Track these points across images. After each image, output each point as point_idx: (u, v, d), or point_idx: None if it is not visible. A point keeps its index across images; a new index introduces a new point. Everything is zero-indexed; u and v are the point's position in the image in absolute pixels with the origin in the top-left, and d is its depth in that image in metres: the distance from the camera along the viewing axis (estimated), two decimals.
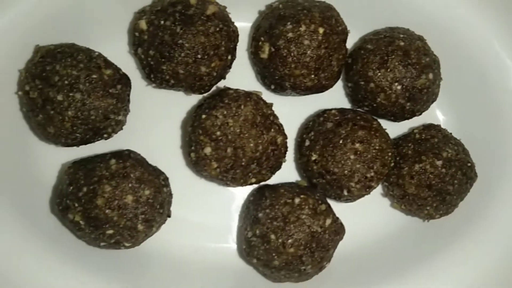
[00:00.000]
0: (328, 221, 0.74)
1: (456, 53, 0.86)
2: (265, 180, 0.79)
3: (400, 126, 0.86)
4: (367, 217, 0.86)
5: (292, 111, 0.85)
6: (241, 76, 0.86)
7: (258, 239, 0.73)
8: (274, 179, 0.80)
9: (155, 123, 0.85)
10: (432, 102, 0.84)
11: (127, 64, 0.83)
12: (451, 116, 0.89)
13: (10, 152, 0.79)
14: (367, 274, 0.83)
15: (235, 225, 0.85)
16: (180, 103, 0.85)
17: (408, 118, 0.83)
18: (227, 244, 0.84)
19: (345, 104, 0.89)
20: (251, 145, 0.73)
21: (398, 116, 0.82)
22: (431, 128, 0.83)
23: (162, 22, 0.75)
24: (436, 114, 0.89)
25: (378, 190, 0.86)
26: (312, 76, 0.78)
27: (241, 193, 0.85)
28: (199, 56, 0.75)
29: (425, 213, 0.80)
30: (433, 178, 0.77)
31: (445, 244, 0.83)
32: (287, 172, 0.84)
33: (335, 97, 0.87)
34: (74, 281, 0.76)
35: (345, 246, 0.80)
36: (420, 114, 0.83)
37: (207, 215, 0.85)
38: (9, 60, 0.78)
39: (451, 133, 0.84)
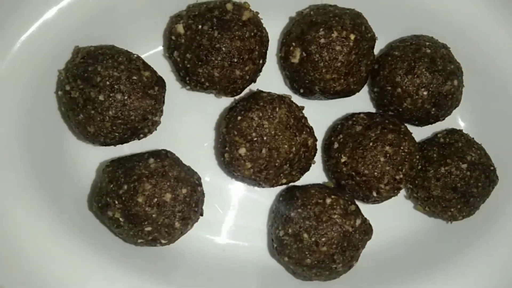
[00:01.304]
0: (358, 221, 0.76)
1: (477, 61, 0.89)
2: (294, 181, 0.82)
3: (422, 131, 0.89)
4: (390, 219, 0.89)
5: (318, 115, 0.87)
6: (270, 80, 0.89)
7: (291, 238, 0.75)
8: (301, 181, 0.83)
9: (187, 124, 0.87)
10: (455, 107, 0.86)
11: (161, 67, 0.85)
12: (471, 121, 0.92)
13: (48, 151, 0.81)
14: (391, 273, 0.86)
15: (263, 224, 0.87)
16: (211, 106, 0.88)
17: (431, 123, 0.86)
18: (255, 242, 0.87)
19: (369, 108, 0.91)
20: (286, 146, 0.76)
21: (422, 120, 0.85)
22: (454, 133, 0.86)
23: (200, 26, 0.77)
24: (457, 119, 0.92)
25: (401, 192, 0.89)
26: (342, 80, 0.81)
27: (270, 193, 0.88)
28: (235, 59, 0.78)
29: (449, 215, 0.83)
30: (458, 181, 0.80)
31: (467, 245, 0.85)
32: (313, 174, 0.87)
33: (360, 102, 0.90)
34: (109, 276, 0.78)
35: (369, 246, 0.82)
36: (444, 119, 0.87)
37: (236, 214, 0.87)
38: (48, 61, 0.80)
39: (473, 138, 0.87)
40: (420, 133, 0.89)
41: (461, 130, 0.87)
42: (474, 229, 0.86)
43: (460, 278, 0.83)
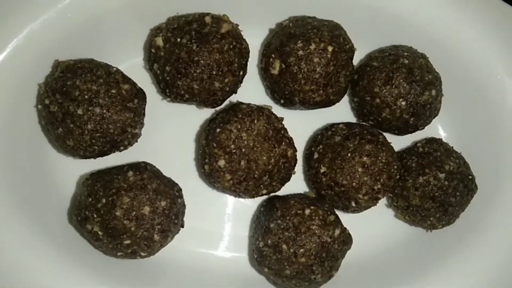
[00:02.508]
0: (337, 232, 0.77)
1: (456, 70, 0.89)
2: (275, 192, 0.82)
3: (403, 140, 0.90)
4: (371, 227, 0.89)
5: (299, 125, 0.88)
6: (252, 90, 0.89)
7: (270, 249, 0.76)
8: (283, 190, 0.83)
9: (168, 136, 0.88)
10: (434, 117, 0.87)
11: (142, 79, 0.86)
12: (451, 130, 0.93)
13: (27, 165, 0.81)
14: (372, 282, 0.86)
15: (245, 235, 0.88)
16: (192, 117, 0.88)
17: (411, 132, 0.87)
18: (237, 253, 0.87)
19: (351, 117, 0.92)
20: (264, 158, 0.76)
21: (401, 130, 0.86)
22: (433, 142, 0.87)
23: (178, 39, 0.78)
24: (438, 128, 0.93)
25: (383, 201, 0.89)
26: (321, 91, 0.82)
27: (251, 203, 0.88)
28: (213, 72, 0.78)
29: (428, 224, 0.84)
30: (436, 190, 0.80)
31: (447, 253, 0.86)
32: (295, 184, 0.87)
33: (341, 111, 0.91)
34: None
35: (351, 255, 0.83)
36: (423, 129, 0.87)
37: (218, 225, 0.88)
38: (28, 74, 0.80)
39: (452, 147, 0.87)
40: (400, 142, 0.90)
41: (440, 139, 0.88)
42: (454, 237, 0.87)
43: (441, 286, 0.84)
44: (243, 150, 0.76)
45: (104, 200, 0.73)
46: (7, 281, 0.76)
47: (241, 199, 0.88)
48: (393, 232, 0.90)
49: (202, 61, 0.77)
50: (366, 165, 0.77)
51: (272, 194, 0.83)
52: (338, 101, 0.86)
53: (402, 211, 0.85)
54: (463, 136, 0.92)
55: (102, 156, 0.80)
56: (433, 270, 0.86)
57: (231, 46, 0.79)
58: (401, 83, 0.81)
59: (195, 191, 0.87)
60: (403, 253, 0.89)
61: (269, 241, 0.76)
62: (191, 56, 0.77)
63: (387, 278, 0.86)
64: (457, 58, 0.89)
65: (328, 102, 0.85)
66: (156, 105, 0.87)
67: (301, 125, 0.89)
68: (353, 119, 0.92)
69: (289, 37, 0.81)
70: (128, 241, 0.73)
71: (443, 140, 0.89)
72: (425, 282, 0.85)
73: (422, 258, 0.87)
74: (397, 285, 0.85)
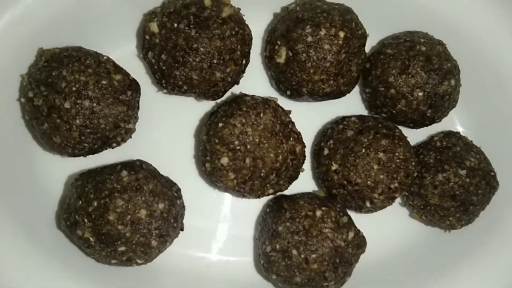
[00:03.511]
0: (351, 235, 0.71)
1: (474, 59, 0.83)
2: (282, 191, 0.76)
3: (417, 133, 0.84)
4: (384, 228, 0.83)
5: (306, 118, 0.81)
6: (254, 81, 0.83)
7: (278, 254, 0.69)
8: (290, 189, 0.77)
9: (164, 131, 0.81)
10: (452, 108, 0.81)
11: (135, 69, 0.79)
12: (469, 122, 0.86)
13: (11, 163, 0.74)
14: (386, 287, 0.80)
15: (250, 237, 0.82)
16: (191, 110, 0.81)
17: (427, 125, 0.81)
18: (241, 257, 0.81)
19: (361, 110, 0.86)
20: (271, 155, 0.70)
21: (417, 123, 0.80)
22: (451, 136, 0.81)
23: (175, 25, 0.71)
24: (454, 121, 0.87)
25: (396, 199, 0.83)
26: (331, 81, 0.75)
27: (256, 203, 0.82)
28: (214, 61, 0.71)
29: (447, 224, 0.78)
30: (457, 188, 0.74)
31: (466, 254, 0.81)
32: (303, 182, 0.81)
33: (350, 103, 0.85)
34: None
35: (362, 258, 0.77)
36: (440, 121, 0.81)
37: (220, 227, 0.82)
38: (10, 64, 0.73)
39: (471, 141, 0.81)
40: (414, 135, 0.84)
41: (458, 133, 0.82)
42: (473, 237, 0.81)
43: None
44: (248, 146, 0.69)
45: (95, 203, 0.66)
46: None
47: (245, 199, 0.81)
48: (407, 233, 0.84)
49: (201, 49, 0.70)
50: (382, 162, 0.71)
51: (278, 193, 0.77)
52: (349, 92, 0.80)
53: (418, 210, 0.79)
54: (480, 129, 0.86)
55: (92, 154, 0.73)
56: (450, 273, 0.80)
57: (233, 32, 0.72)
58: (418, 72, 0.75)
59: (195, 191, 0.80)
60: (418, 255, 0.83)
61: (278, 246, 0.69)
62: (190, 43, 0.70)
63: (401, 282, 0.81)
64: (475, 45, 0.83)
65: (338, 93, 0.78)
66: (151, 98, 0.80)
67: (308, 118, 0.83)
68: (363, 112, 0.85)
69: (296, 22, 0.74)
70: (123, 248, 0.67)
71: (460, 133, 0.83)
72: (442, 285, 0.79)
73: (438, 260, 0.82)
74: None
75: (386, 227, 0.84)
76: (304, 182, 0.82)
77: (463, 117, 0.86)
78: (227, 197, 0.82)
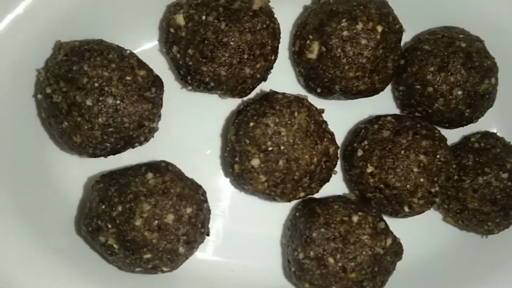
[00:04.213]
0: (389, 241, 0.67)
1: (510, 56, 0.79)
2: (313, 194, 0.72)
3: (446, 133, 0.79)
4: (416, 232, 0.79)
5: (336, 117, 0.76)
6: (281, 78, 0.78)
7: (313, 262, 0.65)
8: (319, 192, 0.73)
9: (188, 130, 0.77)
10: (489, 108, 0.77)
11: (157, 65, 0.74)
12: (504, 123, 0.82)
13: (25, 165, 0.70)
14: None
15: (277, 241, 0.77)
16: (216, 108, 0.77)
17: (463, 126, 0.77)
18: (268, 262, 0.77)
19: (392, 109, 0.82)
20: (306, 157, 0.66)
21: (454, 123, 0.76)
22: (488, 137, 0.77)
23: (203, 17, 0.67)
24: (488, 121, 0.82)
25: None
26: (366, 78, 0.71)
27: (284, 205, 0.78)
28: (245, 56, 0.67)
29: (485, 229, 0.74)
30: (498, 192, 0.71)
31: (502, 259, 0.77)
32: (332, 184, 0.76)
33: (381, 102, 0.80)
34: None
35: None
36: (477, 121, 0.77)
37: (246, 231, 0.77)
38: (25, 58, 0.68)
39: (509, 142, 0.78)
40: (446, 136, 0.80)
41: (495, 134, 0.78)
42: (510, 243, 0.78)
43: None
44: (282, 147, 0.65)
45: (120, 208, 0.61)
46: None
47: (273, 202, 0.77)
48: (440, 238, 0.80)
49: (232, 43, 0.66)
50: (423, 165, 0.67)
51: (308, 196, 0.73)
52: (383, 90, 0.76)
53: (453, 214, 0.76)
54: None
55: (113, 154, 0.68)
56: (485, 280, 0.76)
57: (264, 26, 0.68)
58: (458, 69, 0.71)
59: (219, 194, 0.77)
60: (452, 261, 0.79)
61: (312, 253, 0.65)
62: (219, 37, 0.66)
63: None
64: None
65: (372, 91, 0.74)
66: (174, 96, 0.75)
67: (338, 117, 0.77)
68: (394, 111, 0.81)
69: (330, 15, 0.70)
70: (149, 255, 0.62)
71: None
72: None
73: (473, 266, 0.78)
74: None
75: (418, 232, 0.79)
76: (334, 185, 0.78)
77: (498, 117, 0.82)
78: (253, 200, 0.77)
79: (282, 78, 0.79)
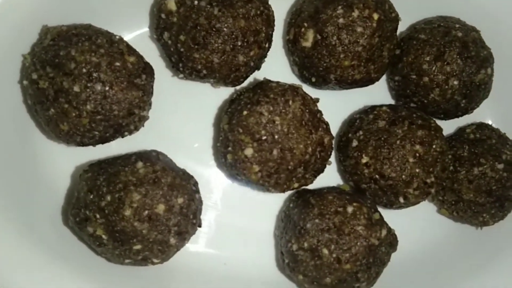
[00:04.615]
0: (384, 232, 0.66)
1: (505, 45, 0.79)
2: (307, 185, 0.71)
3: (441, 124, 0.79)
4: (411, 224, 0.78)
5: (329, 107, 0.75)
6: (274, 67, 0.77)
7: (307, 253, 0.64)
8: (313, 183, 0.72)
9: (178, 119, 0.75)
10: (485, 99, 0.77)
11: (147, 52, 0.71)
12: (499, 114, 0.82)
13: (11, 153, 0.68)
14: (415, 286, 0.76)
15: (270, 233, 0.76)
16: (208, 97, 0.75)
17: (459, 116, 0.77)
18: (261, 254, 0.75)
19: (386, 99, 0.81)
20: (301, 146, 0.64)
21: (449, 113, 0.75)
22: (483, 128, 0.76)
23: (196, 2, 0.65)
24: (483, 112, 0.82)
25: None
26: (362, 68, 0.70)
27: (277, 197, 0.76)
28: (238, 43, 0.66)
29: (480, 220, 0.74)
30: (494, 183, 0.70)
31: (497, 250, 0.76)
32: (326, 175, 0.75)
33: (375, 92, 0.79)
34: None
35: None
36: (472, 112, 0.77)
37: (238, 223, 0.76)
38: (10, 43, 0.66)
39: (505, 133, 0.77)
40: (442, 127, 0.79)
41: (490, 125, 0.78)
42: (505, 234, 0.77)
43: None
44: (276, 137, 0.64)
45: (109, 197, 0.60)
46: None
47: (265, 194, 0.76)
48: (435, 229, 0.80)
49: (225, 29, 0.64)
50: (418, 155, 0.66)
51: (302, 187, 0.71)
52: (378, 79, 0.75)
53: (448, 206, 0.75)
54: (510, 121, 0.81)
55: (102, 143, 0.66)
56: (480, 271, 0.76)
57: (259, 12, 0.67)
58: (455, 59, 0.70)
59: (211, 184, 0.75)
60: (446, 252, 0.79)
61: (306, 244, 0.64)
62: (212, 23, 0.64)
63: (429, 281, 0.76)
64: (509, 33, 0.78)
65: (367, 81, 0.73)
66: (165, 84, 0.74)
67: (332, 108, 0.76)
68: (389, 101, 0.80)
69: (326, 2, 0.69)
70: (138, 246, 0.61)
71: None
72: (472, 284, 0.75)
73: (468, 257, 0.78)
74: None
75: (413, 224, 0.79)
76: (328, 176, 0.77)
77: (493, 108, 0.82)
78: (246, 191, 0.76)
79: (276, 68, 0.77)
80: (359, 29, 0.67)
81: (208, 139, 0.76)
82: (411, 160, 0.66)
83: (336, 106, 0.78)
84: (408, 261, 0.77)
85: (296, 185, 0.69)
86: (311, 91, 0.74)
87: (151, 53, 0.74)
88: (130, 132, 0.68)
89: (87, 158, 0.70)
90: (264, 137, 0.63)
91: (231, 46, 0.65)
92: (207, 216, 0.74)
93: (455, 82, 0.71)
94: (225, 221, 0.76)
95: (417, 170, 0.67)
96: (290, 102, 0.64)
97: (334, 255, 0.63)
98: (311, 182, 0.71)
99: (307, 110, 0.66)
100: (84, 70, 0.60)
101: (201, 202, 0.68)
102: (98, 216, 0.60)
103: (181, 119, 0.75)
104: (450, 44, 0.71)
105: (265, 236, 0.77)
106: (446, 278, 0.76)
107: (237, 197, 0.76)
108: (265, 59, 0.73)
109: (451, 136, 0.77)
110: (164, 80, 0.74)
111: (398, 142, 0.67)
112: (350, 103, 0.80)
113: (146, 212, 0.60)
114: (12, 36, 0.66)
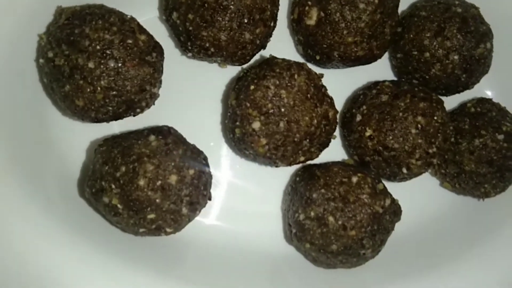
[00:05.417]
0: (388, 201, 0.68)
1: (504, 23, 0.80)
2: (312, 159, 0.73)
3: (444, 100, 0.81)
4: (415, 198, 0.80)
5: (334, 84, 0.77)
6: (279, 46, 0.79)
7: (313, 222, 0.67)
8: (318, 159, 0.74)
9: (188, 98, 0.78)
10: (485, 74, 0.79)
11: (157, 34, 0.74)
12: (499, 89, 0.84)
13: (29, 130, 0.70)
14: (417, 257, 0.78)
15: (278, 208, 0.79)
16: (215, 76, 0.78)
17: (459, 92, 0.78)
18: (270, 228, 0.78)
19: (389, 76, 0.83)
20: (306, 118, 0.67)
21: (450, 88, 0.77)
22: (484, 102, 0.78)
23: None
24: (483, 87, 0.84)
25: None
26: (364, 44, 0.72)
27: (284, 173, 0.79)
28: (244, 20, 0.68)
29: (482, 191, 0.76)
30: (494, 153, 0.72)
31: (500, 223, 0.78)
32: (331, 151, 0.77)
33: (378, 69, 0.81)
34: (107, 271, 0.68)
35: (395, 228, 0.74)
36: (472, 87, 0.79)
37: (247, 198, 0.78)
38: (26, 24, 0.69)
39: (505, 107, 0.79)
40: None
41: (491, 99, 0.80)
42: (506, 207, 0.79)
43: (495, 260, 0.76)
44: (282, 109, 0.66)
45: (123, 168, 0.62)
46: (12, 266, 0.65)
47: (270, 169, 0.78)
48: (438, 203, 0.81)
49: (232, 7, 0.67)
50: (420, 126, 0.68)
51: (308, 162, 0.74)
52: (380, 57, 0.77)
53: (450, 178, 0.77)
54: (510, 96, 0.83)
55: (115, 119, 0.69)
56: (483, 243, 0.78)
57: None
58: (454, 34, 0.72)
59: (221, 161, 0.77)
60: (450, 225, 0.80)
61: (312, 213, 0.67)
62: (219, 1, 0.66)
63: (432, 253, 0.79)
64: (507, 10, 0.80)
65: (370, 58, 0.75)
66: (174, 63, 0.76)
67: (336, 85, 0.78)
68: (391, 79, 0.82)
69: None
70: (152, 215, 0.63)
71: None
72: (476, 256, 0.77)
73: (470, 230, 0.79)
74: (443, 261, 0.77)
75: (416, 198, 0.81)
76: (332, 152, 0.79)
77: (493, 83, 0.84)
78: (254, 167, 0.78)
79: (281, 47, 0.79)
80: (361, 5, 0.69)
81: (216, 117, 0.78)
82: (413, 131, 0.69)
83: (340, 84, 0.80)
84: (412, 232, 0.79)
85: (302, 158, 0.71)
86: (315, 70, 0.77)
87: (160, 35, 0.76)
88: (142, 109, 0.70)
89: (100, 134, 0.72)
90: (271, 110, 0.66)
91: (237, 23, 0.68)
92: (216, 192, 0.77)
93: (455, 57, 0.73)
94: (234, 197, 0.78)
95: (419, 141, 0.69)
96: (296, 76, 0.67)
97: (339, 222, 0.65)
98: (317, 156, 0.73)
99: (312, 84, 0.68)
100: (98, 47, 0.63)
101: (211, 175, 0.71)
102: (113, 186, 0.62)
103: (190, 98, 0.77)
104: (450, 19, 0.73)
105: (273, 211, 0.79)
106: (449, 248, 0.78)
107: (245, 173, 0.79)
108: (270, 38, 0.75)
109: (452, 111, 0.79)
110: (173, 60, 0.76)
111: (400, 114, 0.69)
112: (353, 81, 0.82)
113: (159, 182, 0.62)
114: (28, 17, 0.68)
